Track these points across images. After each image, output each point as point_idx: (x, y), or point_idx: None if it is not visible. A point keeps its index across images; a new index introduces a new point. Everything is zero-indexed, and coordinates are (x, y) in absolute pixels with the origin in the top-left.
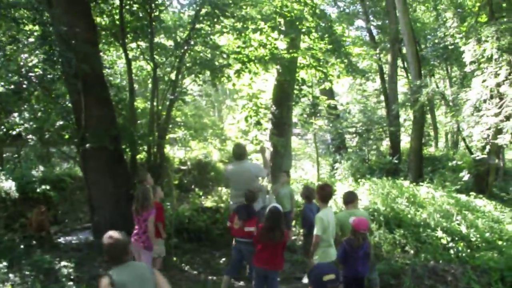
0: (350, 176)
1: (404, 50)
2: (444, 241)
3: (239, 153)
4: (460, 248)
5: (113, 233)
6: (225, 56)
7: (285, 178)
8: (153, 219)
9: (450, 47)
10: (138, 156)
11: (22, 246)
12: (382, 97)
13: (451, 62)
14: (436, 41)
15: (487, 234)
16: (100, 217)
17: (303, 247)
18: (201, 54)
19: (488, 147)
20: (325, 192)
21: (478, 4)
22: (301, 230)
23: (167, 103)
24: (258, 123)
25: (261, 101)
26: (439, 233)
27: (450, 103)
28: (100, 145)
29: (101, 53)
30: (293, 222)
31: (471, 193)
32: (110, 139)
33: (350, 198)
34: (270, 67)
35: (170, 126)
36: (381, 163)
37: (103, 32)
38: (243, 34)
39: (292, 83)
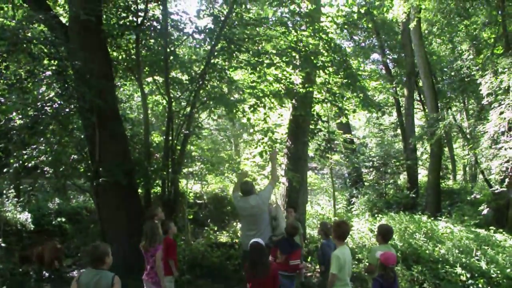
0: (367, 210)
1: (420, 83)
2: (463, 278)
3: (246, 190)
4: (480, 285)
5: (98, 242)
6: (240, 91)
7: (292, 214)
8: (161, 255)
9: (466, 79)
10: (152, 191)
11: (33, 280)
12: (399, 131)
13: (468, 95)
14: (453, 73)
15: (508, 270)
16: (113, 252)
17: (319, 284)
18: (216, 89)
19: (507, 180)
20: (341, 229)
21: (493, 36)
22: (318, 267)
23: (182, 137)
24: None
25: (276, 136)
26: (458, 270)
27: (468, 136)
28: (114, 180)
29: (117, 88)
30: (309, 258)
31: (490, 227)
32: (124, 173)
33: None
34: (285, 102)
35: (186, 160)
36: (398, 198)
37: (119, 67)
38: (258, 69)
39: (308, 117)
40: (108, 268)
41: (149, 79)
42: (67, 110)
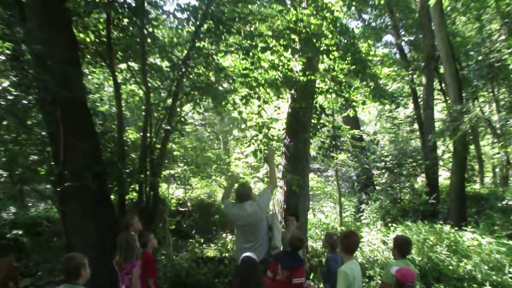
0: (379, 219)
1: (441, 69)
2: None
3: (244, 195)
4: None
5: (73, 253)
6: (230, 79)
7: (293, 223)
8: (138, 272)
9: (496, 64)
10: (127, 197)
11: None
12: (416, 126)
13: (498, 83)
14: (480, 58)
15: None
16: None
17: None
18: (202, 77)
19: None
20: (349, 241)
21: None
22: (322, 285)
23: (163, 134)
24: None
25: (273, 132)
26: None
27: (498, 131)
28: (82, 184)
29: (85, 75)
30: (311, 275)
31: None
32: (94, 176)
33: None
34: (283, 93)
35: (167, 161)
36: (415, 204)
37: (87, 51)
38: (251, 54)
39: (309, 110)
40: (84, 283)
41: (123, 66)
42: (25, 102)
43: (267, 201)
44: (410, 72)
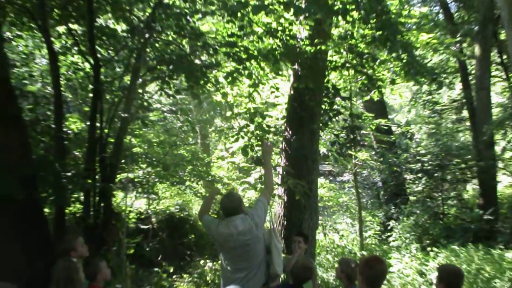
0: (413, 241)
1: (502, 36)
2: None
3: (232, 207)
4: None
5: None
6: (211, 50)
7: (301, 246)
8: None
9: None
10: (68, 210)
11: None
12: (465, 113)
13: None
14: None
15: None
16: None
17: None
18: (173, 46)
19: None
20: (373, 271)
21: None
22: None
23: (118, 124)
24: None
25: (269, 121)
26: None
27: None
28: (4, 193)
29: (6, 42)
30: None
31: None
32: (20, 182)
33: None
34: (282, 68)
35: (123, 161)
36: (465, 221)
37: (10, 8)
38: (239, 15)
39: (319, 93)
40: None
41: (61, 29)
42: None
43: (264, 214)
44: (459, 39)
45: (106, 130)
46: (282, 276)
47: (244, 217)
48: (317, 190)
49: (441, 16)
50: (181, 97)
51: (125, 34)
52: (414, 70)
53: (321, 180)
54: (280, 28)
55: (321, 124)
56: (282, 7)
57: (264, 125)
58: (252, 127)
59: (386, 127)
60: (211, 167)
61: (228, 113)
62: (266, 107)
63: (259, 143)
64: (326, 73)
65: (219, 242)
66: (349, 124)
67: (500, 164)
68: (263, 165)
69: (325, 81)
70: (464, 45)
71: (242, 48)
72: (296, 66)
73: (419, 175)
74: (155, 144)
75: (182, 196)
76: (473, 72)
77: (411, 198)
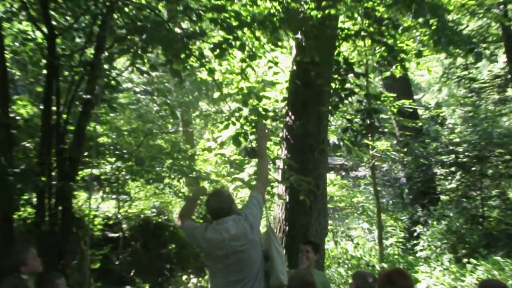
0: (446, 251)
1: None
2: None
3: (220, 208)
4: None
5: None
6: (194, 16)
7: (310, 256)
8: None
9: None
10: (16, 215)
11: None
12: (510, 92)
13: None
14: None
15: None
16: None
17: None
18: (146, 12)
19: None
20: (396, 286)
21: None
22: None
23: (79, 108)
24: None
25: (266, 104)
26: None
27: None
28: None
29: None
30: None
31: None
32: None
33: None
34: (283, 38)
35: (86, 153)
36: (510, 225)
37: None
38: None
39: (327, 68)
40: None
41: None
42: None
43: (259, 212)
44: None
45: (64, 116)
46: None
47: (237, 218)
48: (326, 188)
49: None
50: (157, 75)
51: None
52: (446, 39)
53: (330, 176)
54: None
55: (330, 107)
56: None
57: (260, 109)
58: (245, 111)
59: (411, 110)
60: (196, 161)
61: (216, 94)
62: (263, 87)
63: (254, 130)
64: (337, 43)
65: (206, 251)
66: (365, 107)
67: None
68: (257, 154)
69: (335, 53)
70: (510, 7)
71: (232, 14)
72: (299, 36)
73: (453, 169)
74: (126, 133)
75: (160, 197)
76: None
77: (443, 197)
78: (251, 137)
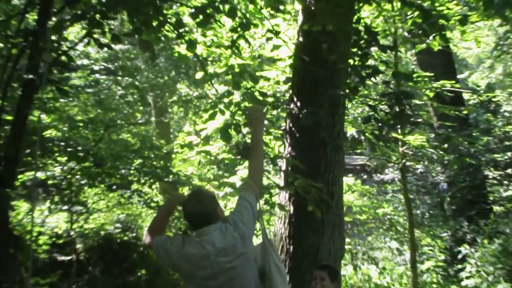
0: (501, 279)
1: None
2: None
3: (202, 213)
4: None
5: None
6: None
7: (326, 285)
8: None
9: None
10: None
11: None
12: None
13: None
14: None
15: None
16: None
17: None
18: None
19: None
20: None
21: None
22: None
23: (19, 91)
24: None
25: (264, 86)
26: None
27: None
28: None
29: None
30: None
31: None
32: None
33: None
34: (286, 0)
35: (29, 150)
36: None
37: None
38: None
39: (343, 39)
40: None
41: None
42: None
43: (252, 218)
44: None
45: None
46: None
47: (224, 227)
48: (342, 197)
49: None
50: (122, 48)
51: None
52: (500, 1)
53: (348, 180)
54: None
55: (348, 90)
56: None
57: (257, 93)
58: (237, 96)
59: (454, 94)
60: (173, 161)
61: (199, 74)
62: (260, 64)
63: (243, 120)
64: (356, 7)
65: (186, 272)
66: (393, 90)
67: None
68: (251, 145)
69: (353, 20)
70: None
71: None
72: None
73: (509, 171)
74: (81, 124)
75: (126, 208)
76: None
77: (496, 208)
78: (245, 130)
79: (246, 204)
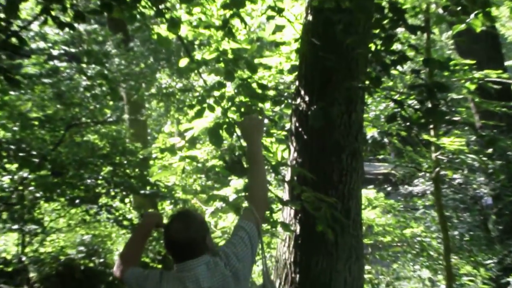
0: None
1: None
2: None
3: (186, 241)
4: None
5: None
6: None
7: None
8: None
9: None
10: None
11: None
12: None
13: None
14: None
15: None
16: None
17: None
18: None
19: None
20: None
21: None
22: None
23: None
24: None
25: (264, 76)
26: None
27: None
28: None
29: None
30: None
31: None
32: None
33: None
34: None
35: None
36: None
37: None
38: None
39: (362, 18)
40: None
41: None
42: None
43: (250, 252)
44: None
45: None
46: None
47: (212, 262)
48: (360, 214)
49: None
50: (87, 29)
51: None
52: None
53: (369, 193)
54: None
55: (368, 82)
56: None
57: (255, 85)
58: (229, 88)
59: (501, 86)
60: (151, 169)
61: (183, 61)
62: (259, 49)
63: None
64: None
65: None
66: (424, 81)
67: None
68: (247, 159)
69: None
70: None
71: None
72: None
73: None
74: (36, 123)
75: (92, 228)
76: None
77: None
78: (239, 130)
79: (243, 235)
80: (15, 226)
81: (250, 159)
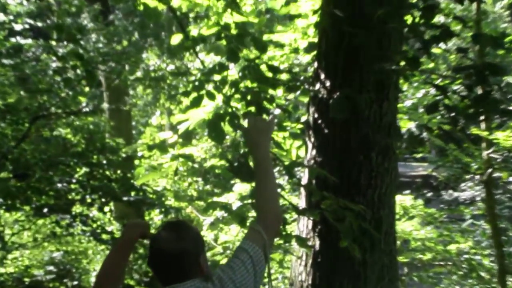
0: None
1: None
2: None
3: (175, 261)
4: None
5: None
6: None
7: None
8: None
9: None
10: None
11: None
12: None
13: None
14: None
15: None
16: None
17: None
18: None
19: None
20: None
21: None
22: None
23: None
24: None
25: (277, 58)
26: None
27: None
28: None
29: None
30: None
31: None
32: None
33: None
34: None
35: None
36: None
37: None
38: None
39: None
40: None
41: None
42: None
43: (251, 279)
44: None
45: None
46: None
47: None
48: (394, 225)
49: None
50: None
51: None
52: None
53: (403, 200)
54: None
55: (403, 63)
56: None
57: (264, 67)
58: (233, 70)
59: None
60: (136, 169)
61: (176, 38)
62: (269, 23)
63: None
64: None
65: None
66: (473, 61)
67: None
68: (255, 168)
69: None
70: None
71: None
72: None
73: None
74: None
75: (64, 243)
76: None
77: None
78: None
79: (246, 259)
80: None
81: (256, 167)
